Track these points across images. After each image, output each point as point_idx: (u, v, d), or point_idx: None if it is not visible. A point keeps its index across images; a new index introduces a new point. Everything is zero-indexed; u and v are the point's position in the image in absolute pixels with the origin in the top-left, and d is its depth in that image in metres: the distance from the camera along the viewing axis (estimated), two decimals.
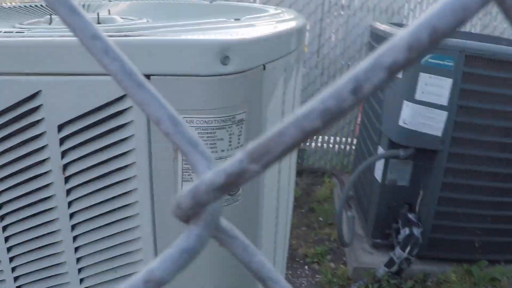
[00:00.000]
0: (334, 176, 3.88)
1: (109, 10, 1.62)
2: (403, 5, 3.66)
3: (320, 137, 3.96)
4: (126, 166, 0.83)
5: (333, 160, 4.03)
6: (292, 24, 1.14)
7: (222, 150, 0.82)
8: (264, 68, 0.90)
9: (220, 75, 0.78)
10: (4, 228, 0.91)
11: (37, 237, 0.91)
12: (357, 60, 3.74)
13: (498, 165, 2.52)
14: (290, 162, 1.34)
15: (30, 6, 1.71)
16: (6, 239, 0.92)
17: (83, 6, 1.77)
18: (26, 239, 0.91)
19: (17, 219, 0.90)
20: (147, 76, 0.77)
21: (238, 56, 0.79)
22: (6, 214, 0.90)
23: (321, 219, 3.31)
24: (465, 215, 2.60)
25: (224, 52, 0.77)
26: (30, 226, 0.90)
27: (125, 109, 0.79)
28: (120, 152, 0.82)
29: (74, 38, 0.76)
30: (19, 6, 1.69)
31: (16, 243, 0.92)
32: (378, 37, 3.04)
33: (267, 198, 1.03)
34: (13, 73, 0.79)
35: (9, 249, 0.92)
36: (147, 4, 1.80)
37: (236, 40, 0.80)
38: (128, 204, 0.85)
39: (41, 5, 1.73)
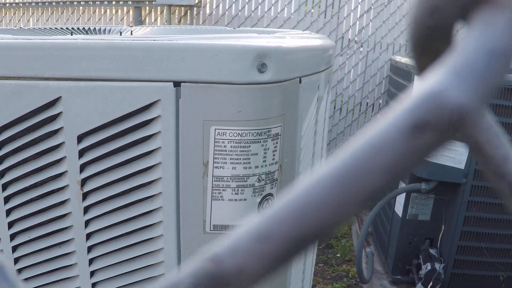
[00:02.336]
0: None
1: (131, 32, 1.58)
2: None
3: None
4: (151, 182, 0.76)
5: None
6: (324, 41, 1.09)
7: (256, 167, 0.75)
8: (300, 82, 0.83)
9: (257, 83, 0.72)
10: (14, 249, 0.84)
11: (49, 259, 0.83)
12: (376, 95, 3.69)
13: None
14: None
15: (50, 28, 1.67)
16: (16, 260, 0.84)
17: (104, 30, 1.73)
18: (38, 261, 0.84)
19: (29, 238, 0.82)
20: (177, 83, 0.71)
21: (276, 64, 0.73)
22: (17, 233, 0.83)
23: (338, 255, 3.20)
24: (488, 250, 2.50)
25: (262, 59, 0.71)
26: (42, 247, 0.83)
27: (152, 119, 0.73)
28: (145, 167, 0.75)
29: (97, 41, 0.70)
30: (39, 28, 1.66)
31: (27, 265, 0.84)
32: (398, 70, 2.99)
33: None
34: (31, 77, 0.73)
35: (19, 271, 0.85)
36: (169, 29, 1.76)
37: (274, 47, 0.74)
38: (152, 225, 0.78)
39: (61, 28, 1.69)
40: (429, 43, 0.20)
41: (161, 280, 0.19)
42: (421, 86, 0.16)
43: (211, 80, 0.71)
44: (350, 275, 2.98)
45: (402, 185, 2.68)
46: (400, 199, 2.65)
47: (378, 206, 2.63)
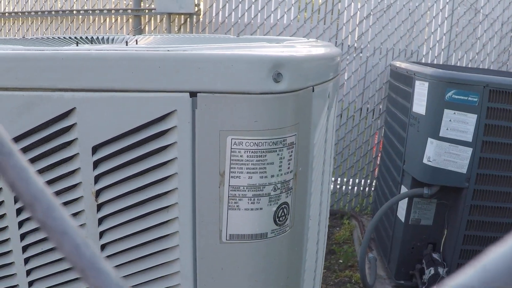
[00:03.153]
0: (353, 218, 3.78)
1: (136, 41, 1.58)
2: (421, 44, 3.63)
3: (339, 178, 3.88)
4: (167, 193, 0.76)
5: (352, 202, 3.94)
6: (331, 49, 1.09)
7: (272, 176, 0.75)
8: (313, 90, 0.83)
9: (272, 93, 0.72)
10: (27, 260, 0.83)
11: (62, 271, 0.83)
12: (376, 100, 3.69)
13: None
14: (328, 195, 1.26)
15: (53, 38, 1.67)
16: (28, 272, 0.84)
17: (108, 39, 1.73)
18: (50, 273, 0.83)
19: (41, 250, 0.82)
20: (193, 94, 0.71)
21: (291, 74, 0.73)
22: (30, 245, 0.82)
23: (341, 261, 3.20)
24: None
25: (277, 68, 0.71)
26: (55, 259, 0.82)
27: (168, 129, 0.73)
28: (161, 177, 0.75)
29: (112, 52, 0.70)
30: (42, 38, 1.65)
31: (39, 277, 0.84)
32: (399, 76, 3.00)
33: (311, 231, 0.96)
34: (45, 88, 0.73)
35: (31, 283, 0.84)
36: (173, 37, 1.76)
37: (289, 57, 0.74)
38: (168, 235, 0.77)
39: (64, 37, 1.69)
40: None
41: None
42: None
43: (227, 90, 0.70)
44: (353, 280, 2.98)
45: (405, 190, 2.68)
46: (403, 204, 2.65)
47: (380, 211, 2.63)
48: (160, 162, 0.74)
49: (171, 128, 0.72)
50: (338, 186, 3.91)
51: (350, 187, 3.91)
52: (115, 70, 0.71)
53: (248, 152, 0.72)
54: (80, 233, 0.23)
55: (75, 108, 0.73)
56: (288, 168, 0.77)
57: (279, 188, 0.76)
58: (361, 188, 3.91)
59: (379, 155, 3.60)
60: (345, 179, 3.90)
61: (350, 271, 3.08)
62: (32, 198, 0.22)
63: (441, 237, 2.61)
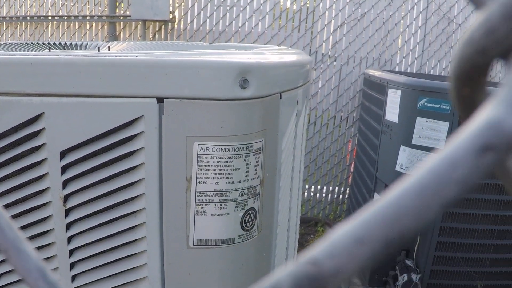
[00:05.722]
0: (327, 225, 3.80)
1: (109, 47, 1.58)
2: (395, 53, 3.68)
3: (313, 186, 3.90)
4: (134, 198, 0.76)
5: (326, 209, 3.96)
6: (301, 57, 1.10)
7: (239, 181, 0.76)
8: (281, 97, 0.84)
9: (239, 99, 0.73)
10: None
11: None
12: (350, 108, 3.73)
13: (496, 208, 2.47)
14: (297, 202, 1.28)
15: (26, 43, 1.66)
16: None
17: (81, 45, 1.73)
18: (19, 278, 0.83)
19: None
20: (160, 99, 0.72)
21: (257, 80, 0.74)
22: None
23: None
24: (463, 259, 2.54)
25: (244, 75, 0.72)
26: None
27: (135, 135, 0.73)
28: (128, 182, 0.75)
29: (80, 57, 0.70)
30: (15, 43, 1.65)
31: (7, 283, 0.83)
32: (372, 84, 3.04)
33: (280, 237, 0.97)
34: (13, 93, 0.73)
35: None
36: (146, 44, 1.76)
37: (256, 63, 0.75)
38: (135, 240, 0.78)
39: (37, 43, 1.68)
40: (472, 77, 0.24)
41: (262, 282, 0.20)
42: (483, 114, 0.20)
43: (194, 96, 0.71)
44: None
45: (378, 197, 2.71)
46: None
47: None
48: (127, 167, 0.74)
49: (138, 133, 0.73)
50: (312, 194, 3.93)
51: (324, 195, 3.93)
52: (83, 76, 0.71)
53: (215, 157, 0.73)
54: (4, 215, 0.24)
55: (43, 113, 0.73)
56: (255, 174, 0.78)
57: (245, 194, 0.77)
58: (335, 195, 3.94)
59: (353, 162, 3.63)
60: (319, 187, 3.92)
61: None
62: None
63: (414, 243, 2.64)
